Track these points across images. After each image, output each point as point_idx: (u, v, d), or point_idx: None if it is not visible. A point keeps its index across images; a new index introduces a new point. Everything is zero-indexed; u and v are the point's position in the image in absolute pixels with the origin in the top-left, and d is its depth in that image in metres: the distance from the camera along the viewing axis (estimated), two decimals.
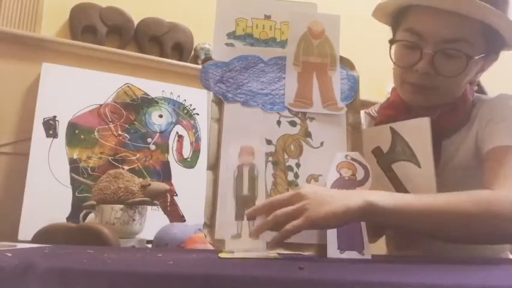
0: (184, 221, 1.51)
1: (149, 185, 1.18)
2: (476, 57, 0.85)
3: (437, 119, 0.88)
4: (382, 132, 0.88)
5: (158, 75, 1.66)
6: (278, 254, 0.70)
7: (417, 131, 0.83)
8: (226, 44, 0.84)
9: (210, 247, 0.74)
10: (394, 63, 0.91)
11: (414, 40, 0.87)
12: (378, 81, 1.85)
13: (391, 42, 0.92)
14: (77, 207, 1.32)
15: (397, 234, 0.97)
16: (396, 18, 0.93)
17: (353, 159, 0.78)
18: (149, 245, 1.17)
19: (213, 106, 0.80)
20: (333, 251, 0.71)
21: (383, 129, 0.88)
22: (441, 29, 0.84)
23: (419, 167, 0.82)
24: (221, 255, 0.67)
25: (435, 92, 0.88)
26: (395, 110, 0.95)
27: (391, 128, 0.86)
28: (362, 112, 1.08)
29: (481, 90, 1.02)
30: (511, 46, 0.90)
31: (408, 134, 0.84)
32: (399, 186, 0.84)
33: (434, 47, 0.84)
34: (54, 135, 1.43)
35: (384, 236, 1.08)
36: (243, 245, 0.68)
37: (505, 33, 0.86)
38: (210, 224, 0.74)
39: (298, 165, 0.79)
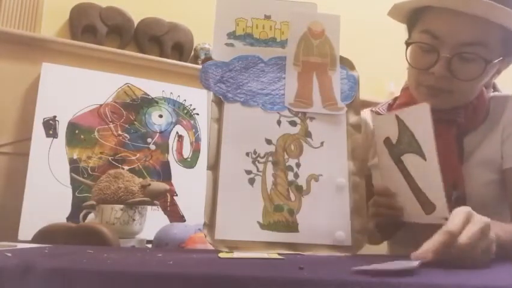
0: (184, 221, 1.51)
1: (149, 185, 1.18)
2: (494, 61, 0.84)
3: (461, 120, 0.89)
4: (389, 121, 0.84)
5: (158, 75, 1.67)
6: (278, 254, 0.70)
7: (418, 119, 0.80)
8: (226, 44, 0.84)
9: (210, 247, 0.74)
10: (410, 64, 0.90)
11: (431, 42, 0.85)
12: (378, 81, 1.85)
13: (407, 43, 0.91)
14: (77, 207, 1.32)
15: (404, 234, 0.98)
16: (412, 19, 0.92)
17: None
18: (149, 245, 1.17)
19: (213, 106, 0.80)
20: None
21: (389, 118, 0.84)
22: (460, 32, 0.83)
23: (425, 160, 0.78)
24: (221, 255, 0.67)
25: (450, 95, 0.88)
26: None
27: (396, 117, 0.82)
28: (368, 111, 1.08)
29: (495, 91, 1.02)
30: None
31: (410, 122, 0.81)
32: (409, 179, 0.81)
33: (452, 50, 0.83)
34: (54, 135, 1.43)
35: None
36: None
37: None
38: (210, 224, 0.74)
39: (298, 165, 0.79)
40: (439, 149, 0.89)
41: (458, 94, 0.88)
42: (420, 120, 0.78)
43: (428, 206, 0.77)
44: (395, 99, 1.05)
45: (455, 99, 0.89)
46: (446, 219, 0.74)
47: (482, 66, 0.83)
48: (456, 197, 0.85)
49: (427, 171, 0.77)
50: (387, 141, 0.84)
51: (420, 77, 0.89)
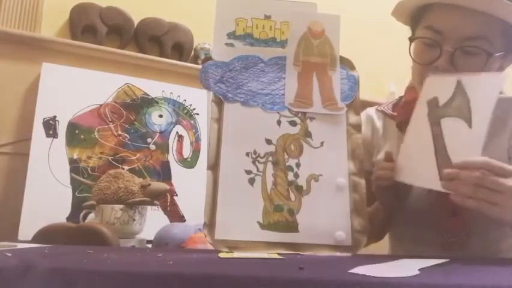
0: (184, 221, 1.51)
1: (149, 185, 1.18)
2: (496, 55, 0.85)
3: None
4: (446, 84, 0.82)
5: (158, 75, 1.66)
6: (278, 254, 0.70)
7: (484, 88, 0.77)
8: (226, 44, 0.84)
9: (210, 247, 0.74)
10: (414, 60, 0.91)
11: (434, 37, 0.86)
12: (378, 81, 1.85)
13: (411, 39, 0.91)
14: (77, 207, 1.32)
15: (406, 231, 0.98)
16: (415, 17, 0.93)
17: None
18: (149, 245, 1.17)
19: (213, 106, 0.80)
20: None
21: (447, 81, 0.81)
22: (462, 26, 0.84)
23: (470, 127, 0.75)
24: (221, 255, 0.67)
25: None
26: None
27: (458, 82, 0.80)
28: (373, 109, 1.08)
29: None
30: None
31: (473, 88, 0.77)
32: (439, 142, 0.78)
33: (454, 44, 0.84)
34: (54, 135, 1.43)
35: (387, 236, 1.08)
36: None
37: None
38: (210, 224, 0.74)
39: (298, 165, 0.79)
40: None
41: None
42: (487, 88, 0.76)
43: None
44: (400, 98, 1.05)
45: None
46: None
47: (484, 59, 0.84)
48: None
49: (469, 137, 0.75)
50: (432, 101, 0.81)
51: (424, 72, 0.89)
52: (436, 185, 0.75)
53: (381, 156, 1.02)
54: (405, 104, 0.98)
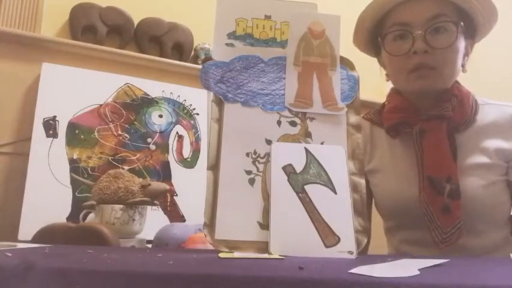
0: (184, 221, 1.51)
1: (149, 185, 1.18)
2: (461, 23, 0.91)
3: (450, 113, 0.92)
4: (295, 151, 0.81)
5: (158, 75, 1.67)
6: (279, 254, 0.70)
7: (333, 158, 0.79)
8: (226, 44, 0.84)
9: (210, 247, 0.74)
10: (393, 55, 0.95)
11: (403, 29, 0.93)
12: (378, 81, 1.85)
13: (383, 37, 0.97)
14: (77, 207, 1.32)
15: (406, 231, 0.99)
16: (379, 24, 0.99)
17: None
18: (149, 245, 1.17)
19: (213, 106, 0.80)
20: None
21: (295, 148, 0.81)
22: (423, 11, 0.92)
23: (335, 193, 0.77)
24: (221, 255, 0.67)
25: (436, 72, 0.92)
26: (406, 111, 0.97)
27: (306, 149, 0.80)
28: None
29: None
30: (483, 34, 0.98)
31: (323, 158, 0.79)
32: (311, 208, 0.76)
33: (422, 27, 0.91)
34: (54, 135, 1.43)
35: (385, 235, 1.08)
36: None
37: (478, 18, 0.94)
38: (210, 224, 0.74)
39: None
40: (431, 144, 0.91)
41: (443, 68, 0.92)
42: (335, 160, 0.79)
43: (330, 238, 0.73)
44: (383, 105, 1.06)
45: (442, 75, 0.93)
46: (351, 252, 0.72)
47: (454, 29, 0.91)
48: (449, 190, 0.86)
49: (336, 202, 0.76)
50: (288, 167, 0.79)
51: (405, 64, 0.93)
52: (322, 252, 0.72)
53: (372, 165, 1.03)
54: (392, 109, 1.01)
